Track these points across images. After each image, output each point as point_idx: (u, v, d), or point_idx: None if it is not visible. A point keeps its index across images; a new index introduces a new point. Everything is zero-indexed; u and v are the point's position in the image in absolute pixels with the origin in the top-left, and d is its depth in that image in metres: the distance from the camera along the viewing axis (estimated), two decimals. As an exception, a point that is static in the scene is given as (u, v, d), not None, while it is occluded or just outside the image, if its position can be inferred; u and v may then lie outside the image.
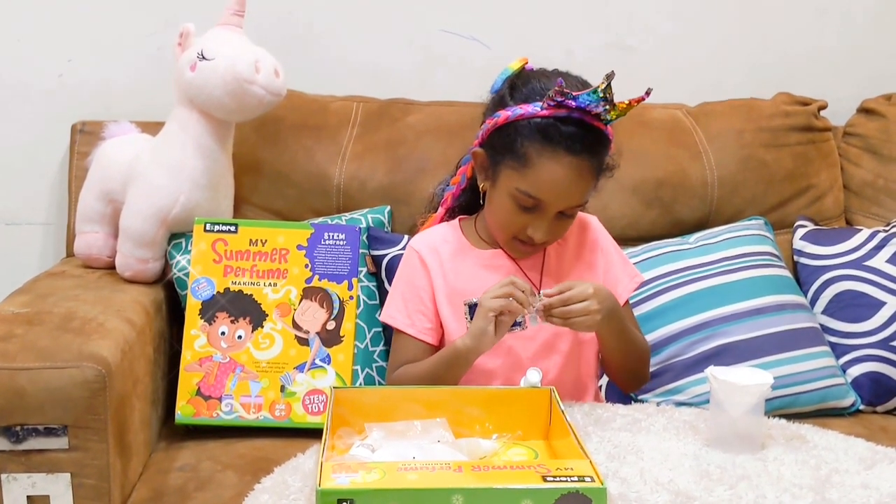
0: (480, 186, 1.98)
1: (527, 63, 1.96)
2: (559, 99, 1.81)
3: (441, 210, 2.08)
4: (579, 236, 2.04)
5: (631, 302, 2.28)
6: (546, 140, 1.84)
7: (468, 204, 2.07)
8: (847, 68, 2.88)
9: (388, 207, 2.49)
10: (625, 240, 2.50)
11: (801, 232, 2.60)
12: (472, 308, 1.88)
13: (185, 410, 2.12)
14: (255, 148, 2.52)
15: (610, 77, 1.79)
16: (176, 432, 2.17)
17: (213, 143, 2.30)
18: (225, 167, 2.36)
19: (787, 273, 2.49)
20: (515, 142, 1.86)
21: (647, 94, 1.85)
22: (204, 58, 2.24)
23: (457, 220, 2.06)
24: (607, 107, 1.82)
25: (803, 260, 2.57)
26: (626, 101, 1.83)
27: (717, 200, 2.60)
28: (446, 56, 2.76)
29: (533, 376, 1.76)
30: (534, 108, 1.85)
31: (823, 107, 2.74)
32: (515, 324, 1.86)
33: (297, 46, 2.68)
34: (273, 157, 2.53)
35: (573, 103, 1.81)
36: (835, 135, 2.77)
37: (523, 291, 1.81)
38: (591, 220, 2.08)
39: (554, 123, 1.83)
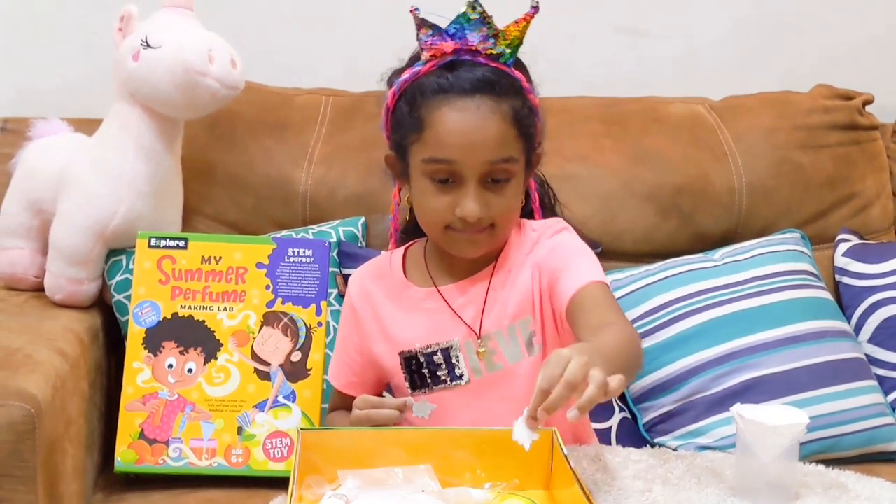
0: (406, 199, 1.96)
1: None
2: (427, 37, 1.82)
3: (391, 246, 2.07)
4: (528, 254, 1.94)
5: (645, 329, 2.34)
6: (435, 91, 1.83)
7: (414, 233, 2.04)
8: (896, 57, 2.94)
9: (363, 219, 2.53)
10: (638, 256, 2.55)
11: (843, 247, 2.65)
12: (407, 360, 1.94)
13: (125, 456, 2.15)
14: (206, 149, 2.56)
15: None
16: (115, 482, 2.19)
17: (159, 145, 2.33)
18: (172, 172, 2.40)
19: (827, 295, 2.53)
20: (409, 112, 1.86)
21: (536, 8, 1.84)
22: (148, 45, 2.27)
23: (403, 248, 2.04)
24: (490, 34, 1.82)
25: (846, 280, 2.61)
26: (513, 22, 1.84)
27: (746, 210, 2.65)
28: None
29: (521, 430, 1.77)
30: (415, 69, 1.86)
31: (869, 101, 2.78)
32: (455, 377, 1.91)
33: (256, 32, 2.72)
34: (228, 160, 2.57)
35: (450, 42, 1.82)
36: (882, 134, 2.81)
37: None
38: (550, 224, 1.98)
39: (440, 72, 1.83)
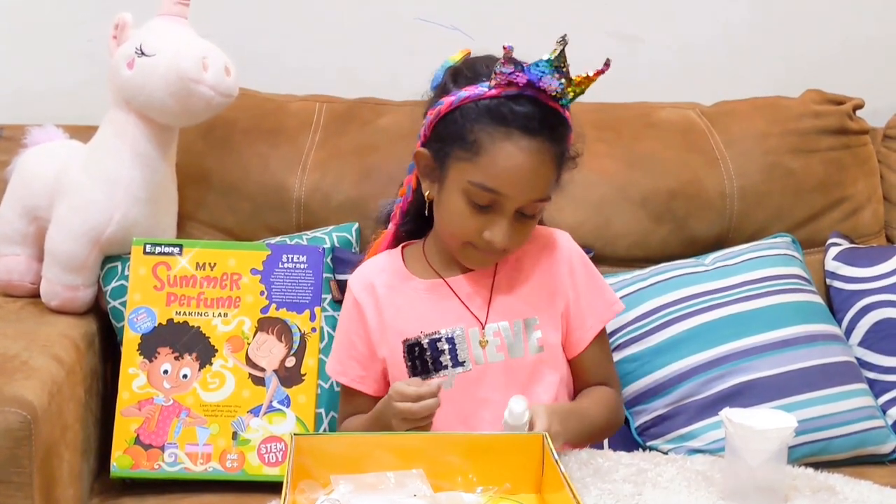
0: (426, 195, 2.01)
1: (469, 54, 2.01)
2: (507, 71, 1.86)
3: (391, 226, 2.13)
4: (539, 258, 2.06)
5: (637, 333, 2.35)
6: (498, 121, 1.88)
7: (418, 222, 2.10)
8: (887, 62, 2.95)
9: (356, 224, 2.54)
10: (630, 261, 2.56)
11: (834, 251, 2.66)
12: (410, 348, 1.99)
13: (121, 461, 2.17)
14: (201, 156, 2.57)
15: (563, 42, 1.83)
16: (111, 487, 2.22)
17: (154, 152, 2.35)
18: (167, 179, 2.42)
19: (818, 299, 2.54)
20: (463, 128, 1.90)
21: (607, 65, 1.88)
22: (143, 53, 2.29)
23: (400, 247, 2.10)
24: (562, 81, 1.86)
25: (837, 283, 2.62)
26: (584, 74, 1.88)
27: (738, 215, 2.66)
28: (423, 48, 2.81)
29: (517, 405, 1.81)
30: (480, 89, 1.89)
31: (860, 106, 2.79)
32: (457, 363, 1.94)
33: (250, 39, 2.73)
34: (222, 167, 2.58)
35: (524, 77, 1.86)
36: (873, 138, 2.82)
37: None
38: (559, 236, 2.10)
39: (505, 102, 1.88)
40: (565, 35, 1.83)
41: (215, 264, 2.25)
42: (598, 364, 2.10)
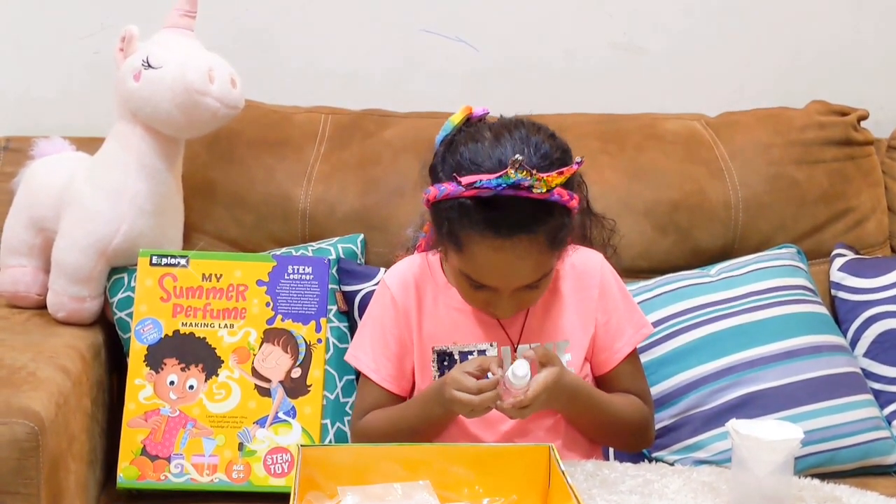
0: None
1: (471, 113, 1.97)
2: (466, 185, 1.84)
3: (416, 254, 2.14)
4: (573, 280, 2.09)
5: (642, 344, 2.35)
6: (472, 225, 1.86)
7: None
8: (892, 72, 2.95)
9: (362, 236, 2.55)
10: (635, 272, 2.56)
11: (839, 262, 2.66)
12: (441, 355, 2.01)
13: (128, 472, 2.17)
14: (207, 167, 2.58)
15: (517, 163, 1.79)
16: (118, 498, 2.22)
17: (160, 163, 2.35)
18: (173, 190, 2.42)
19: (823, 310, 2.55)
20: (447, 223, 1.90)
21: (580, 163, 1.87)
22: (150, 65, 2.30)
23: (438, 253, 2.10)
24: (532, 182, 1.82)
25: (842, 294, 2.62)
26: (556, 172, 1.84)
27: (742, 226, 2.66)
28: (427, 60, 2.83)
29: (520, 369, 1.82)
30: (457, 188, 1.86)
31: (864, 117, 2.79)
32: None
33: (255, 51, 2.75)
34: (228, 178, 2.59)
35: (489, 187, 1.83)
36: (877, 149, 2.82)
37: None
38: (593, 259, 2.12)
39: (477, 206, 1.85)
40: (517, 156, 1.79)
41: (221, 275, 2.25)
42: (626, 383, 2.12)
